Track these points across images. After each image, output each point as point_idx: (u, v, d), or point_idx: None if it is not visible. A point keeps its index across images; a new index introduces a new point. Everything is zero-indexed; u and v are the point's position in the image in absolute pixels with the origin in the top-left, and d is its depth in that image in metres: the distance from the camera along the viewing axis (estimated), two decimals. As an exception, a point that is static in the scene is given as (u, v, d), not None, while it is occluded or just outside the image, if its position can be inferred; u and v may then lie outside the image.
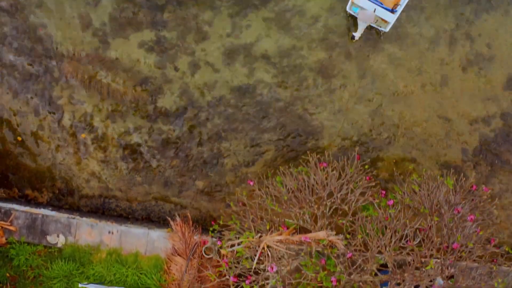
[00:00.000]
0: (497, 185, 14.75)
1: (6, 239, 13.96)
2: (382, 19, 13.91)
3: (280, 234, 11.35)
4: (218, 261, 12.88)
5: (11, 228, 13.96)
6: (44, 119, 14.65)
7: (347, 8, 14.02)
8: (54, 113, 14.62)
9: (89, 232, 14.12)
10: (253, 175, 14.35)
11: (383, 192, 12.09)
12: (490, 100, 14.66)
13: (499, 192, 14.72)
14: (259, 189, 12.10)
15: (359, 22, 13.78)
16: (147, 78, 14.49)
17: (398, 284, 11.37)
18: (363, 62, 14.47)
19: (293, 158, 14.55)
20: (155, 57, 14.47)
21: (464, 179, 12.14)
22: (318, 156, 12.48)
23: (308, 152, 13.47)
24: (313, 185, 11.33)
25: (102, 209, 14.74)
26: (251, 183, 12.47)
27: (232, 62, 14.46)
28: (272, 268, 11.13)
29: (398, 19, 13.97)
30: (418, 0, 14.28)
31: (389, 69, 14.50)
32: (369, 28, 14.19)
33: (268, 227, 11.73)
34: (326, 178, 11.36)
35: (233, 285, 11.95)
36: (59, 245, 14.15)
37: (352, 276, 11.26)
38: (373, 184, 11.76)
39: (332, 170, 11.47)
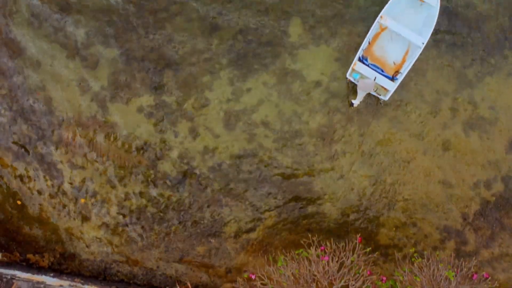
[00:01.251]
0: (497, 248, 14.75)
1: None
2: (382, 87, 13.79)
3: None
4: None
5: (14, 297, 14.04)
6: (44, 183, 14.62)
7: (347, 75, 13.87)
8: (53, 178, 14.58)
9: (91, 299, 14.20)
10: (256, 243, 14.40)
11: (384, 278, 12.10)
12: (491, 164, 14.58)
13: (500, 255, 14.74)
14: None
15: (358, 90, 13.65)
16: (147, 143, 14.42)
17: None
18: (364, 128, 14.37)
19: (293, 222, 14.55)
20: (155, 122, 14.38)
21: (465, 262, 12.14)
22: (319, 239, 12.47)
23: (308, 229, 13.48)
24: (314, 275, 11.34)
25: (103, 274, 14.79)
26: (253, 277, 12.46)
27: (232, 128, 14.37)
28: None
29: (399, 85, 13.86)
30: (419, 63, 14.13)
31: (390, 135, 14.39)
32: (369, 94, 14.07)
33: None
34: (327, 266, 11.35)
35: None
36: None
37: None
38: (374, 277, 11.76)
39: (333, 260, 11.44)
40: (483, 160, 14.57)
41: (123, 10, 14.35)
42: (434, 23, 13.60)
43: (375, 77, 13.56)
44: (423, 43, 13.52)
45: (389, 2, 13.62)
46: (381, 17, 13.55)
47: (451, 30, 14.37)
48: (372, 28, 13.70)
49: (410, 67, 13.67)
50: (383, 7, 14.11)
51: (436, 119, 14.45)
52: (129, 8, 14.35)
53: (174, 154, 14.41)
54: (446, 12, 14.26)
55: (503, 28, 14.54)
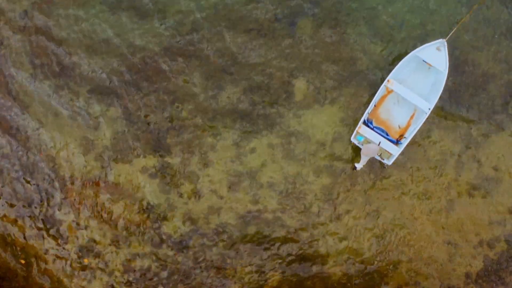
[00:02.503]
0: (500, 306, 14.86)
1: None
2: (386, 151, 13.73)
3: None
4: None
5: None
6: (48, 242, 14.59)
7: (352, 138, 13.79)
8: (57, 238, 14.55)
9: None
10: (258, 305, 14.46)
11: None
12: (495, 224, 14.60)
13: (502, 313, 14.85)
14: None
15: (362, 155, 13.59)
16: (151, 204, 14.37)
17: None
18: (368, 188, 14.34)
19: (298, 283, 14.58)
20: (159, 182, 14.32)
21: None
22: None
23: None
24: None
25: (107, 333, 14.86)
26: None
27: (236, 189, 14.32)
28: None
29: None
30: (424, 122, 14.06)
31: (395, 195, 14.37)
32: (373, 157, 14.01)
33: None
34: None
35: None
36: None
37: None
38: None
39: None
40: (487, 219, 14.57)
41: (124, 72, 14.23)
42: (442, 89, 13.50)
43: (379, 142, 13.50)
44: (429, 109, 13.44)
45: (396, 66, 13.51)
46: (388, 80, 13.45)
47: (456, 89, 14.30)
48: (378, 91, 13.59)
49: (415, 132, 13.59)
50: (388, 69, 14.07)
51: (441, 179, 14.42)
52: (131, 69, 14.23)
53: (178, 214, 14.37)
54: (451, 69, 14.16)
55: (509, 86, 14.45)
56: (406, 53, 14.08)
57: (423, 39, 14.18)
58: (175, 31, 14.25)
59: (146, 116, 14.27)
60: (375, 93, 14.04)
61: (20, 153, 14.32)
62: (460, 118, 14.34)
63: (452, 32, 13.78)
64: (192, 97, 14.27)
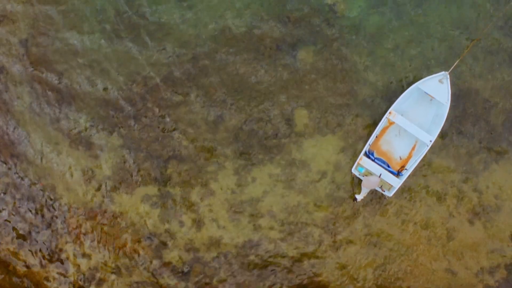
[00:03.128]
0: (499, 332, 14.96)
1: None
2: (387, 182, 13.72)
3: None
4: None
5: None
6: (50, 271, 14.66)
7: (353, 170, 13.76)
8: (59, 266, 14.61)
9: None
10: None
11: None
12: (495, 252, 14.63)
13: None
14: None
15: (363, 187, 13.58)
16: (152, 233, 14.41)
17: None
18: (369, 218, 14.36)
19: (298, 310, 14.69)
20: (160, 212, 14.34)
21: None
22: None
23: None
24: None
25: None
26: None
27: (237, 218, 14.34)
28: None
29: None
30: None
31: (396, 225, 14.39)
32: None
33: None
34: None
35: None
36: None
37: None
38: None
39: None
40: (487, 248, 14.61)
41: (126, 101, 14.18)
42: (444, 121, 13.43)
43: (380, 174, 13.48)
44: (431, 141, 13.39)
45: (399, 98, 13.44)
46: (389, 112, 13.39)
47: (457, 119, 14.24)
48: (380, 123, 13.54)
49: (416, 164, 13.56)
50: (389, 98, 13.99)
51: (442, 208, 14.42)
52: (133, 99, 14.18)
53: (180, 244, 14.42)
54: (452, 98, 14.08)
55: (509, 115, 14.39)
56: (407, 83, 14.01)
57: (425, 69, 14.10)
58: (175, 59, 14.17)
59: (146, 145, 14.24)
60: (376, 122, 13.99)
61: (21, 181, 14.33)
62: (461, 146, 14.30)
63: (455, 64, 13.67)
64: (192, 127, 14.22)
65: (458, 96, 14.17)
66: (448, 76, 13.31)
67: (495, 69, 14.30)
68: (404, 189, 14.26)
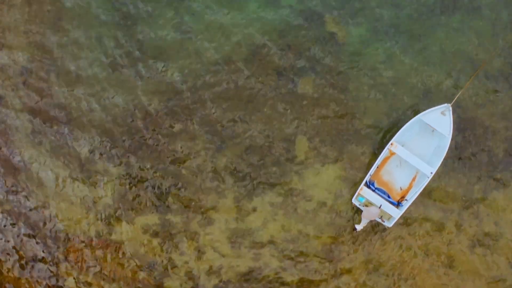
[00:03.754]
0: None
1: None
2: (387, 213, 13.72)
3: None
4: None
5: None
6: (52, 298, 14.77)
7: (353, 200, 13.76)
8: (61, 294, 14.72)
9: None
10: None
11: None
12: (495, 279, 14.68)
13: None
14: None
15: (363, 218, 13.58)
16: (153, 262, 14.45)
17: None
18: (369, 246, 14.38)
19: (298, 337, 14.80)
20: (160, 241, 14.36)
21: None
22: None
23: None
24: None
25: None
26: None
27: (237, 247, 14.37)
28: None
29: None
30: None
31: (396, 253, 14.42)
32: (376, 216, 14.03)
33: None
34: None
35: None
36: None
37: None
38: None
39: None
40: (488, 275, 14.66)
41: (128, 127, 14.13)
42: (445, 153, 13.39)
43: (380, 205, 13.47)
44: (431, 173, 13.36)
45: (401, 130, 13.39)
46: (391, 143, 13.34)
47: (458, 147, 14.20)
48: (382, 153, 13.51)
49: (416, 195, 13.53)
50: (388, 128, 13.94)
51: (442, 236, 14.44)
52: (134, 125, 14.13)
53: (180, 273, 14.47)
54: (453, 127, 14.04)
55: (510, 143, 14.34)
56: (408, 113, 13.93)
57: (426, 98, 14.02)
58: (175, 93, 14.09)
59: (147, 175, 14.21)
60: (376, 152, 13.96)
61: (23, 210, 14.34)
62: (462, 174, 14.26)
63: (457, 96, 13.59)
64: (193, 157, 14.18)
65: (459, 124, 14.10)
66: (451, 108, 13.23)
67: (496, 97, 14.21)
68: (404, 217, 14.26)
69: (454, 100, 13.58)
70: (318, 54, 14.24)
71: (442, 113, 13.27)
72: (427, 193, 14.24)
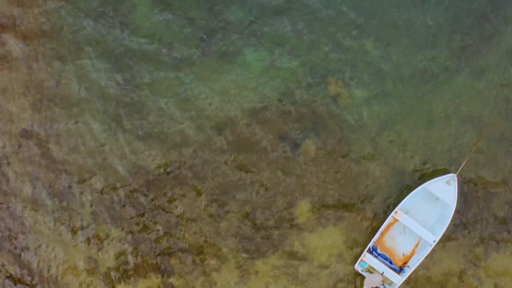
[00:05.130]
0: None
1: None
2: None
3: None
4: None
5: None
6: None
7: (356, 266, 13.75)
8: None
9: None
10: None
11: None
12: None
13: None
14: None
15: (365, 285, 13.62)
16: (155, 323, 14.50)
17: None
18: (371, 308, 14.48)
19: None
20: (163, 303, 14.38)
21: None
22: None
23: None
24: None
25: None
26: None
27: (240, 309, 14.43)
28: None
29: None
30: (428, 244, 14.07)
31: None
32: (378, 279, 14.07)
33: None
34: None
35: None
36: None
37: None
38: None
39: None
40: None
41: (130, 191, 13.97)
42: (449, 222, 13.38)
43: (383, 272, 13.50)
44: (434, 241, 13.36)
45: (405, 198, 13.35)
46: (395, 211, 13.32)
47: (459, 210, 14.20)
48: (386, 221, 13.49)
49: (419, 263, 13.55)
50: (390, 192, 13.88)
51: (443, 299, 14.58)
52: (136, 187, 13.96)
53: (183, 334, 14.56)
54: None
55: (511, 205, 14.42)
56: (411, 178, 13.86)
57: (429, 163, 13.93)
58: (177, 156, 13.89)
59: (150, 237, 14.11)
60: (378, 215, 13.92)
61: (24, 277, 14.23)
62: (462, 237, 14.28)
63: (462, 166, 13.49)
64: (195, 220, 14.07)
65: (461, 187, 14.04)
66: (456, 178, 13.18)
67: (498, 160, 14.14)
68: (406, 279, 14.32)
69: (459, 170, 13.50)
70: (320, 118, 14.03)
71: (448, 182, 13.22)
72: (428, 256, 14.25)
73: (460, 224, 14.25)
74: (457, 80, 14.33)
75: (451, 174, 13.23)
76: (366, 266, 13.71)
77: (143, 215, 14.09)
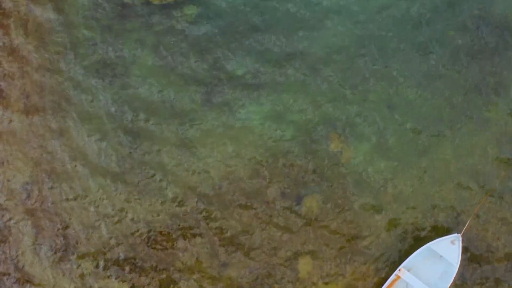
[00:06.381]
0: None
1: None
2: None
3: None
4: None
5: None
6: None
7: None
8: None
9: None
10: None
11: None
12: None
13: None
14: None
15: None
16: None
17: None
18: None
19: None
20: None
21: None
22: None
23: None
24: None
25: None
26: None
27: None
28: None
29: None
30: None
31: None
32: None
33: None
34: None
35: None
36: None
37: None
38: None
39: None
40: None
41: (129, 249, 13.90)
42: (451, 281, 13.00)
43: None
44: (436, 300, 13.02)
45: (409, 257, 13.09)
46: (399, 269, 13.03)
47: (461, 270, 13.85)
48: (389, 279, 13.23)
49: (421, 320, 13.21)
50: (393, 247, 13.60)
51: None
52: (137, 245, 13.89)
53: None
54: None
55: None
56: (412, 234, 13.53)
57: (431, 218, 13.60)
58: (177, 207, 13.78)
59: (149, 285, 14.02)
60: (379, 270, 13.64)
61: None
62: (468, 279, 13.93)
63: (467, 225, 13.11)
64: (197, 272, 13.92)
65: (465, 246, 13.67)
66: (461, 238, 12.83)
67: (499, 215, 13.74)
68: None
69: (463, 230, 13.12)
70: (323, 173, 13.79)
71: (452, 242, 12.86)
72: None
73: (460, 277, 13.84)
74: (460, 133, 13.94)
75: (455, 234, 12.92)
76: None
77: (146, 269, 13.96)
